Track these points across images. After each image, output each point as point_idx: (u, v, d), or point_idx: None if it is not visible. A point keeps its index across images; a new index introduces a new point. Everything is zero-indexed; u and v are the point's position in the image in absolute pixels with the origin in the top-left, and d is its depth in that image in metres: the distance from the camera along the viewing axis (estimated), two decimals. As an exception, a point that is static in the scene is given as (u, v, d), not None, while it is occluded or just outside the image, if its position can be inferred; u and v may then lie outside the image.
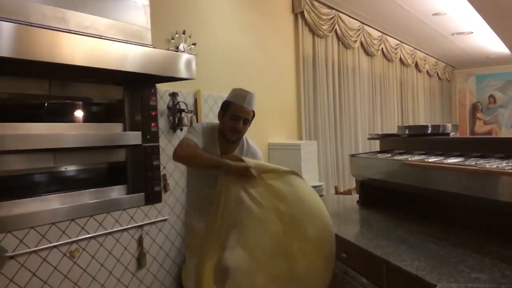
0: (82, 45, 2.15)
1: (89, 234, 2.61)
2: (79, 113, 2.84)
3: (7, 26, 1.84)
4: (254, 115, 2.39)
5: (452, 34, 7.45)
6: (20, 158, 2.41)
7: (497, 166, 1.96)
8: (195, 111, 3.40)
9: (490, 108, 10.72)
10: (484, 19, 5.96)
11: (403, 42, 7.84)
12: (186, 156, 2.24)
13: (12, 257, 2.24)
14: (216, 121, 2.42)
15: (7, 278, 2.22)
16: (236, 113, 2.30)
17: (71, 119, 2.80)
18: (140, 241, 2.94)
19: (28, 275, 2.31)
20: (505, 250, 1.98)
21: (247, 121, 2.35)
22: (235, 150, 2.40)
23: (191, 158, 2.23)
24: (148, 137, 2.99)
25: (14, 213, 2.31)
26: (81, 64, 2.13)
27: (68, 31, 2.17)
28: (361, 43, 6.39)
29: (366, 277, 2.18)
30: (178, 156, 2.24)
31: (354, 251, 2.26)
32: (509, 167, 1.89)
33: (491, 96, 10.68)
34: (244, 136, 2.45)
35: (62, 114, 2.76)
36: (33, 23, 2.02)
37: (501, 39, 7.22)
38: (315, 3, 5.15)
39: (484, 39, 7.72)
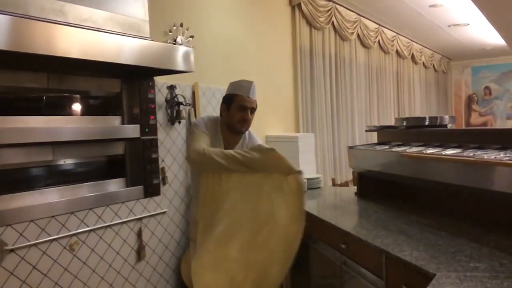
0: (80, 38, 2.14)
1: (88, 227, 2.61)
2: (77, 106, 2.83)
3: (4, 19, 1.83)
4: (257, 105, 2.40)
5: (449, 26, 7.45)
6: (18, 151, 2.40)
7: (495, 157, 1.97)
8: (193, 104, 3.39)
9: (485, 100, 10.76)
10: (480, 10, 5.96)
11: (400, 34, 7.83)
12: (199, 163, 2.30)
13: (12, 251, 2.24)
14: (214, 114, 2.42)
15: (8, 271, 2.23)
16: (243, 103, 2.31)
17: (69, 112, 2.80)
18: (139, 234, 2.94)
19: (28, 268, 2.32)
20: (503, 240, 2.00)
21: (253, 110, 2.37)
22: (238, 143, 2.40)
23: (205, 166, 2.27)
24: (146, 130, 2.98)
25: (13, 207, 2.31)
26: (79, 57, 2.12)
27: (66, 24, 2.15)
28: (358, 35, 6.38)
29: (365, 267, 2.20)
30: (192, 161, 2.34)
31: (353, 242, 2.28)
32: (507, 158, 1.91)
33: (487, 87, 10.72)
34: None
35: (60, 107, 2.76)
36: (31, 16, 2.01)
37: (497, 31, 7.22)
38: (312, -5, 5.14)
39: (480, 31, 7.74)
